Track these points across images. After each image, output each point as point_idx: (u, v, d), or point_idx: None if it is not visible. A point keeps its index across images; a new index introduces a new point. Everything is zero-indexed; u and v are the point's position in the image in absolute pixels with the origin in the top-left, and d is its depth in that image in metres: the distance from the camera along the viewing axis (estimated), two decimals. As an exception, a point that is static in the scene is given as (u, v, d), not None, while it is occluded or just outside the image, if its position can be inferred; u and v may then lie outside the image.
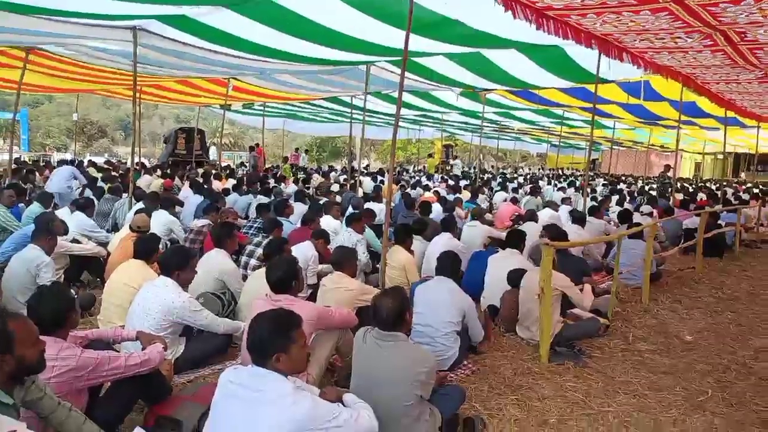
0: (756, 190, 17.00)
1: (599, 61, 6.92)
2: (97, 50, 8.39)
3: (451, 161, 25.84)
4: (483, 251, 5.97)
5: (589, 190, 14.46)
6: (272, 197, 9.44)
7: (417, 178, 18.24)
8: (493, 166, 31.47)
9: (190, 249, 4.51)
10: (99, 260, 5.71)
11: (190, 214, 8.03)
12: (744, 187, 19.88)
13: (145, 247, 4.24)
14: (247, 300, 4.12)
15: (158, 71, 10.19)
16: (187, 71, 10.27)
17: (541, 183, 18.00)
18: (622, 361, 4.34)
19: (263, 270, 4.04)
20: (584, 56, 7.41)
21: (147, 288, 3.62)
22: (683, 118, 12.08)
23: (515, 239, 5.37)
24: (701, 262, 7.73)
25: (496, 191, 14.14)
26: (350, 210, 7.95)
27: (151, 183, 11.44)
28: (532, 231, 6.78)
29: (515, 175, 24.69)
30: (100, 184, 10.01)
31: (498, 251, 5.59)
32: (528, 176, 24.99)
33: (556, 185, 17.24)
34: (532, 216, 7.86)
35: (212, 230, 5.41)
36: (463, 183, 15.29)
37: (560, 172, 28.28)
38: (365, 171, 20.14)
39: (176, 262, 3.62)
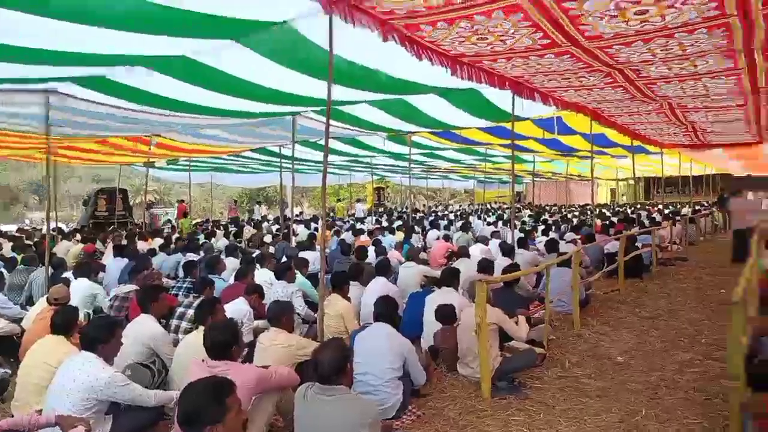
0: (666, 211, 18.25)
1: (513, 100, 7.31)
2: (7, 114, 7.99)
3: (356, 204, 26.01)
4: (420, 291, 6.02)
5: (517, 222, 15.03)
6: (202, 254, 9.14)
7: (351, 222, 18.30)
8: (424, 205, 32.12)
9: (114, 318, 4.27)
10: (12, 339, 5.28)
11: (114, 280, 7.62)
12: (656, 209, 21.29)
13: (64, 321, 3.98)
14: (180, 366, 3.92)
15: (75, 132, 9.81)
16: (106, 131, 9.94)
17: (471, 219, 18.52)
18: (560, 389, 4.45)
19: (196, 333, 3.88)
20: (499, 97, 7.83)
21: (67, 365, 3.37)
22: (595, 148, 12.91)
23: (449, 277, 5.46)
24: (624, 284, 8.15)
25: (429, 230, 14.40)
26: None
27: (69, 249, 10.81)
28: (465, 267, 6.94)
29: (446, 213, 25.27)
30: (11, 254, 9.33)
31: (434, 290, 5.66)
32: (458, 213, 25.65)
33: (485, 220, 17.79)
34: (464, 252, 8.04)
35: (137, 295, 5.15)
36: (397, 224, 15.48)
37: (488, 206, 29.25)
38: (299, 219, 20.01)
39: (99, 334, 3.41)
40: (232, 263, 7.63)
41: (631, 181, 31.31)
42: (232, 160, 16.80)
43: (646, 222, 13.76)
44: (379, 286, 5.75)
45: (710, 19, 4.05)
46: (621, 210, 22.38)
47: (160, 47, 4.90)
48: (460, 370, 4.70)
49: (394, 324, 4.18)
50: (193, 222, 20.78)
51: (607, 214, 18.99)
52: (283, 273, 6.01)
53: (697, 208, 20.15)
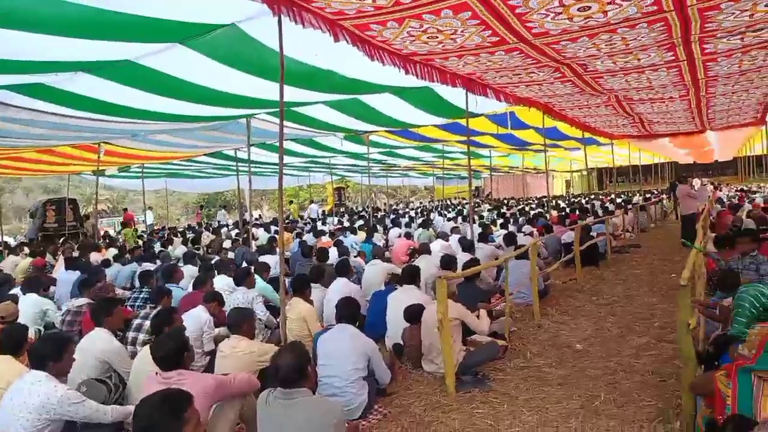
0: (619, 200, 18.85)
1: (467, 97, 7.40)
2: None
3: (311, 206, 25.89)
4: (382, 290, 6.03)
5: (476, 217, 15.24)
6: (158, 263, 8.91)
7: (312, 224, 18.17)
8: (385, 204, 32.20)
9: (64, 333, 4.11)
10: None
11: (66, 293, 7.34)
12: (608, 198, 21.95)
13: (12, 339, 3.80)
14: (138, 380, 3.80)
15: (17, 143, 9.40)
16: (50, 140, 9.57)
17: (432, 215, 18.67)
18: (523, 379, 4.53)
19: (153, 345, 3.77)
20: (453, 94, 7.92)
21: (17, 385, 3.22)
22: (548, 141, 13.26)
23: (411, 275, 5.49)
24: (581, 273, 8.38)
25: (390, 228, 14.44)
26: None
27: (17, 263, 10.35)
28: (427, 263, 6.99)
29: (407, 210, 25.42)
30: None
31: (397, 288, 5.68)
32: (419, 210, 25.85)
33: (445, 216, 17.96)
34: (425, 249, 8.10)
35: (90, 308, 4.98)
36: (358, 223, 15.46)
37: (448, 202, 29.56)
38: (258, 222, 19.73)
39: (49, 351, 3.27)
40: (190, 271, 7.46)
41: (585, 172, 32.20)
42: (186, 165, 16.45)
43: (600, 211, 14.18)
44: (340, 286, 5.74)
45: (649, 14, 4.20)
46: (576, 201, 22.98)
47: (103, 52, 4.74)
48: (425, 366, 4.73)
49: (356, 323, 4.18)
50: (152, 229, 20.24)
51: (563, 205, 19.47)
52: (242, 279, 5.92)
53: (647, 196, 20.89)
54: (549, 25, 4.40)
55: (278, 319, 5.18)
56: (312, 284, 5.60)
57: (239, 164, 13.26)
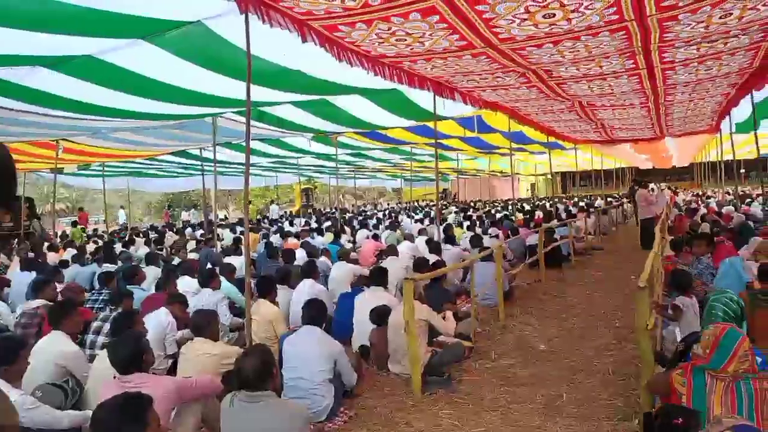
0: (581, 204, 19.29)
1: (435, 100, 7.46)
2: None
3: (271, 206, 25.65)
4: (349, 292, 6.01)
5: (449, 217, 15.37)
6: (120, 263, 8.68)
7: (279, 224, 18.00)
8: (353, 205, 32.15)
9: (17, 337, 3.96)
10: None
11: (22, 295, 7.07)
12: (572, 201, 22.44)
13: (-38, 343, 3.64)
14: (96, 384, 3.69)
15: (-32, 138, 9.02)
16: (6, 137, 9.21)
17: (401, 217, 18.74)
18: (488, 380, 4.59)
19: (112, 348, 3.67)
20: (422, 97, 7.97)
21: (-34, 392, 3.09)
22: (514, 145, 13.48)
23: (378, 276, 5.49)
24: (545, 275, 8.54)
25: (358, 229, 14.42)
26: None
27: (-31, 265, 9.93)
28: (395, 265, 7.01)
29: (375, 212, 25.45)
30: None
31: (364, 290, 5.67)
32: (387, 211, 25.90)
33: (413, 217, 18.05)
34: (393, 250, 8.12)
35: (48, 310, 4.81)
36: (326, 224, 15.39)
37: (416, 204, 29.71)
38: (224, 223, 19.44)
39: (1, 355, 3.15)
40: (153, 272, 7.29)
41: (549, 176, 32.84)
42: (150, 164, 16.08)
43: (563, 215, 14.47)
44: (306, 288, 5.70)
45: (611, 22, 4.32)
46: (540, 204, 23.41)
47: (63, 47, 4.60)
48: (391, 367, 4.74)
49: (323, 325, 4.16)
50: (111, 230, 19.70)
51: (528, 208, 19.80)
52: (207, 280, 5.82)
53: (609, 200, 21.43)
54: (515, 30, 4.48)
55: (243, 321, 5.12)
56: (278, 286, 5.55)
57: (205, 164, 13.04)
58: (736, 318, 3.81)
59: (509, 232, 10.37)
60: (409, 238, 10.26)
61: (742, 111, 9.71)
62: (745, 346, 2.77)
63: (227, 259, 8.03)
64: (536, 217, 13.83)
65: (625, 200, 20.43)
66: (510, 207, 19.09)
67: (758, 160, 9.97)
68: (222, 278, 6.30)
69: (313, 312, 4.05)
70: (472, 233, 10.42)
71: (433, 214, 19.64)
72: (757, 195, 17.17)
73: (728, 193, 18.01)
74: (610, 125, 11.47)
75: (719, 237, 7.12)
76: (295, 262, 7.64)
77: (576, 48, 5.10)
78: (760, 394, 2.66)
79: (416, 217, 18.15)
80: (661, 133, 13.10)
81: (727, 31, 4.77)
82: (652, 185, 16.43)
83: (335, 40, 4.62)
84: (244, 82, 4.60)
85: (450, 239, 9.14)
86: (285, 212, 25.97)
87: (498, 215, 16.40)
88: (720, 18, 4.38)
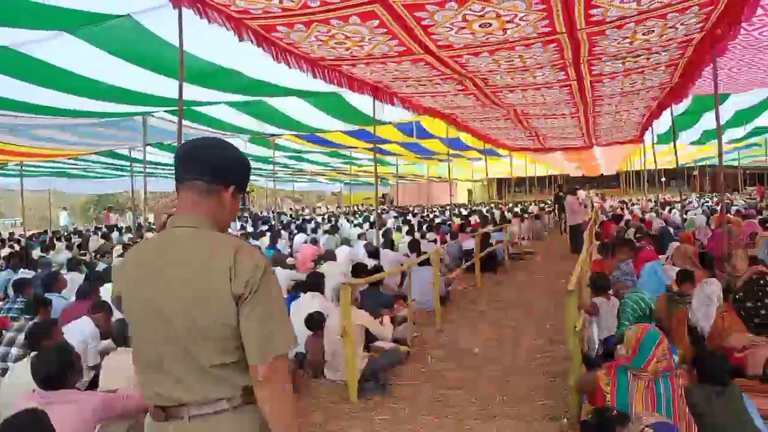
0: (516, 209, 19.89)
1: (374, 105, 7.47)
2: None
3: (60, 213, 24.73)
4: (285, 298, 5.89)
5: (383, 223, 15.39)
6: (38, 270, 8.13)
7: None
8: (291, 209, 31.73)
9: None
10: None
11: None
12: (507, 207, 23.10)
13: None
14: (8, 399, 3.41)
15: None
16: None
17: (340, 221, 18.64)
18: (424, 383, 4.62)
19: (26, 361, 3.42)
20: (361, 101, 7.95)
21: None
22: (451, 151, 13.71)
23: (314, 281, 5.41)
24: (480, 279, 8.72)
25: (296, 234, 14.23)
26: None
27: None
28: (333, 270, 6.94)
29: (313, 216, 25.21)
30: None
31: (300, 296, 5.58)
32: (326, 215, 25.72)
33: (352, 222, 18.02)
34: (331, 255, 8.05)
35: (-46, 321, 4.43)
36: (262, 229, 15.09)
37: (356, 208, 29.70)
38: (155, 227, 18.65)
39: None
40: (75, 279, 6.87)
41: (485, 182, 33.70)
42: (74, 164, 15.20)
43: (499, 220, 14.86)
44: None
45: (544, 34, 4.46)
46: (477, 209, 23.97)
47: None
48: (328, 374, 4.68)
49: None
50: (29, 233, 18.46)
51: (465, 213, 20.21)
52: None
53: (542, 206, 22.22)
54: (453, 38, 4.55)
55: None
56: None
57: (135, 165, 12.48)
58: (644, 316, 4.04)
59: (447, 237, 10.52)
60: (346, 242, 10.21)
61: (663, 123, 10.33)
62: (664, 345, 2.92)
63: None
64: (473, 223, 14.13)
65: (548, 208, 21.18)
66: (447, 212, 19.41)
67: (677, 169, 10.62)
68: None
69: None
70: (411, 238, 10.50)
71: (372, 218, 19.70)
72: (676, 202, 18.31)
73: (651, 201, 19.08)
74: (543, 134, 11.89)
75: (641, 242, 7.52)
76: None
77: (511, 58, 5.24)
78: (677, 392, 2.80)
79: (356, 221, 18.12)
80: (590, 142, 13.71)
81: (649, 47, 5.04)
82: (581, 192, 17.18)
83: (273, 40, 4.53)
84: (176, 80, 4.44)
85: (389, 244, 9.16)
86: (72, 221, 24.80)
87: (436, 220, 16.64)
88: (643, 35, 4.62)
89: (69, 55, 4.91)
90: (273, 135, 11.37)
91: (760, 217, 10.79)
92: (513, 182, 20.85)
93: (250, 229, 15.74)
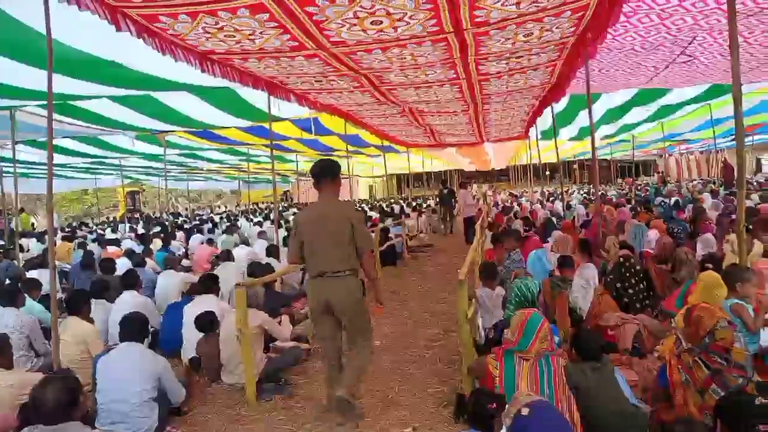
0: (414, 203, 20.42)
1: (269, 101, 7.31)
2: None
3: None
4: (178, 302, 5.63)
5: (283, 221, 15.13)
6: None
7: (99, 232, 16.28)
8: (186, 209, 30.31)
9: None
10: None
11: None
12: (406, 202, 23.65)
13: None
14: None
15: None
16: None
17: (240, 220, 18.07)
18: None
19: None
20: (256, 96, 7.75)
21: None
22: (351, 148, 13.79)
23: (208, 283, 5.22)
24: (381, 272, 8.85)
25: (192, 235, 13.62)
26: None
27: None
28: (230, 271, 6.73)
29: (211, 215, 24.25)
30: None
31: (194, 299, 5.35)
32: (224, 215, 24.83)
33: (252, 221, 17.56)
34: (228, 255, 7.79)
35: None
36: (155, 230, 14.28)
37: (256, 206, 28.97)
38: (32, 232, 17.02)
39: None
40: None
41: (385, 178, 34.25)
42: None
43: (399, 214, 15.16)
44: (127, 299, 5.21)
45: (433, 33, 4.60)
46: (378, 204, 24.29)
47: None
48: (225, 378, 4.53)
49: (146, 340, 3.82)
50: None
51: (366, 208, 20.42)
52: (8, 299, 4.98)
53: (414, 205, 22.96)
54: (345, 35, 4.55)
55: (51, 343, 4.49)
56: (94, 300, 4.99)
57: (3, 164, 11.28)
58: (527, 301, 4.32)
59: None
60: (245, 241, 9.94)
61: (545, 120, 11.08)
62: (546, 328, 3.13)
63: (33, 273, 7.02)
64: (373, 218, 14.30)
65: (433, 204, 21.81)
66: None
67: (559, 163, 11.43)
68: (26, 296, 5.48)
69: (132, 326, 3.68)
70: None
71: (273, 216, 19.30)
72: (559, 193, 19.70)
73: (536, 193, 20.38)
74: (437, 130, 12.28)
75: (529, 232, 8.02)
76: (116, 273, 6.94)
77: (403, 56, 5.34)
78: (557, 370, 3.02)
79: (255, 219, 17.68)
80: (481, 139, 14.36)
81: (529, 48, 5.36)
82: (472, 185, 17.97)
83: (156, 31, 4.27)
84: (45, 71, 4.07)
85: (288, 241, 9.03)
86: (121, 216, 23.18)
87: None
88: (524, 36, 4.90)
89: None
90: (163, 132, 10.78)
91: (629, 205, 11.90)
92: (412, 177, 21.31)
93: (141, 230, 14.82)
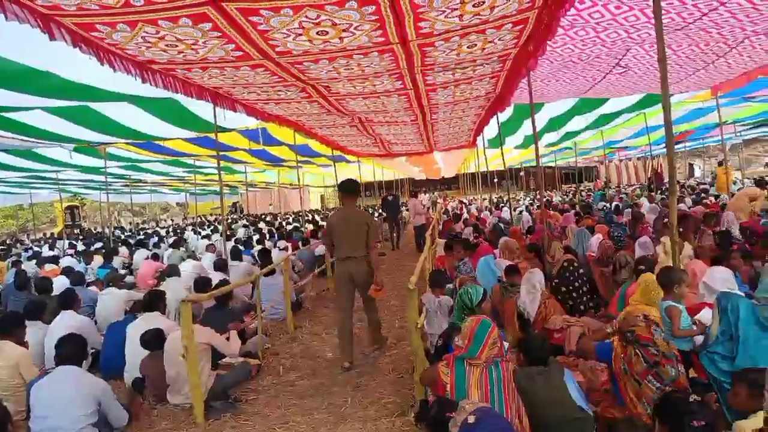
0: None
1: (215, 111, 7.16)
2: None
3: None
4: (120, 320, 5.41)
5: (241, 230, 14.83)
6: None
7: (35, 249, 15.47)
8: (131, 223, 29.25)
9: None
10: None
11: None
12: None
13: None
14: None
15: None
16: None
17: (187, 233, 17.56)
18: (275, 395, 4.52)
19: None
20: (201, 107, 7.59)
21: None
22: (300, 158, 13.69)
23: (153, 301, 5.04)
24: (333, 283, 8.77)
25: (136, 250, 13.14)
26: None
27: None
28: (176, 287, 6.52)
29: (156, 229, 23.49)
30: None
31: (137, 317, 5.15)
32: (171, 228, 24.11)
33: (200, 233, 17.11)
34: (174, 270, 7.55)
35: None
36: (96, 246, 13.70)
37: (203, 219, 28.28)
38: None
39: None
40: None
41: (337, 188, 34.17)
42: None
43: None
44: (64, 321, 4.95)
45: (379, 44, 4.62)
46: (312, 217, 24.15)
47: None
48: (171, 398, 4.36)
49: (84, 363, 3.64)
50: None
51: (318, 218, 20.28)
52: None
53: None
54: (291, 45, 4.51)
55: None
56: (28, 322, 4.72)
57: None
58: (467, 308, 4.36)
59: (299, 244, 10.45)
60: (192, 256, 9.67)
61: (492, 129, 11.34)
62: (495, 333, 3.18)
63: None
64: (324, 229, 14.18)
65: (404, 209, 22.09)
66: (300, 219, 19.30)
67: (506, 171, 11.72)
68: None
69: (69, 349, 3.50)
70: (262, 247, 10.25)
71: (221, 228, 18.87)
72: (506, 200, 20.16)
73: (485, 200, 20.79)
74: (387, 140, 12.33)
75: (479, 238, 8.15)
76: (54, 293, 6.60)
77: (350, 66, 5.34)
78: (507, 375, 3.07)
79: (204, 233, 17.23)
80: (430, 148, 14.53)
81: (474, 59, 5.47)
82: (422, 195, 18.16)
83: (93, 40, 4.11)
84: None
85: (237, 255, 8.86)
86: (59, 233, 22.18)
87: (289, 227, 16.45)
88: (468, 48, 5.00)
89: None
90: (103, 144, 10.38)
91: (573, 210, 12.30)
92: (363, 187, 21.33)
93: (81, 247, 14.18)
